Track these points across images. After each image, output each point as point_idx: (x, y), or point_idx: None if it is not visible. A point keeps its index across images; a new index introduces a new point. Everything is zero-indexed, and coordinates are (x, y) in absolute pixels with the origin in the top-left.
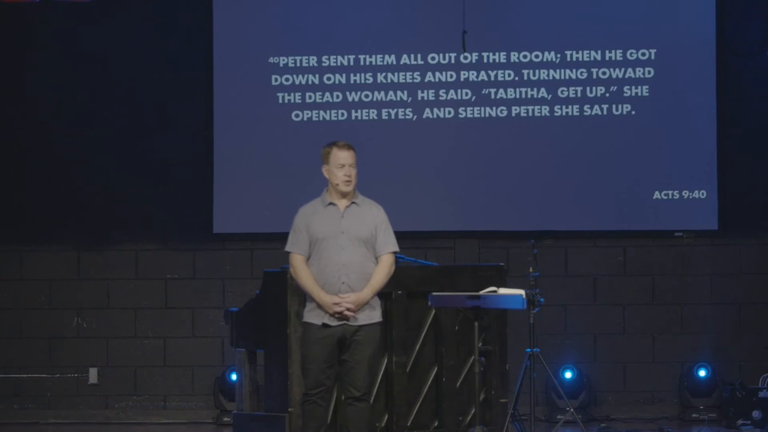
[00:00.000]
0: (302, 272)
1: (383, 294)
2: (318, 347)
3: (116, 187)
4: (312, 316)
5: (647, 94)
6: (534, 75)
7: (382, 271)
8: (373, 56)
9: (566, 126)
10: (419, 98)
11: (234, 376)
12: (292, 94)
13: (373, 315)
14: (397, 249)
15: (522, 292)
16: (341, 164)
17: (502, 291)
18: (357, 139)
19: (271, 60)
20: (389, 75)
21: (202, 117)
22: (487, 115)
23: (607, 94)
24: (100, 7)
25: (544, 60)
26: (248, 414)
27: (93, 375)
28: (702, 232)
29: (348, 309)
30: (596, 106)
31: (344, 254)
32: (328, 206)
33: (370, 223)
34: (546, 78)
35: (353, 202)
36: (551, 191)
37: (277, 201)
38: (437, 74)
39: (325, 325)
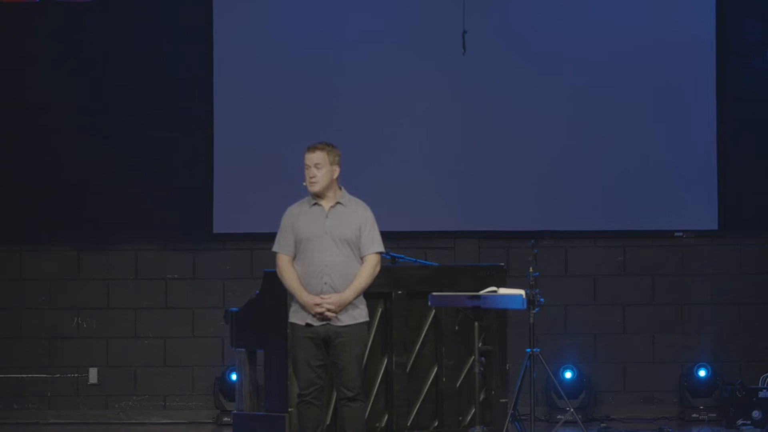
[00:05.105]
0: (287, 272)
1: (383, 294)
2: (304, 347)
3: (116, 187)
4: (296, 317)
5: (647, 94)
6: (534, 76)
7: (366, 272)
8: (374, 56)
9: (566, 126)
10: (420, 99)
11: (234, 376)
12: (292, 94)
13: (356, 315)
14: (381, 249)
15: (522, 292)
16: (306, 165)
17: (502, 291)
18: (357, 140)
19: (271, 60)
20: (390, 75)
21: (202, 117)
22: (487, 115)
23: (607, 94)
24: (100, 7)
25: (544, 60)
26: (248, 414)
27: (93, 375)
28: (702, 232)
29: (329, 310)
30: (596, 107)
31: (327, 255)
32: (313, 206)
33: (354, 223)
34: (546, 78)
35: (338, 203)
36: (551, 191)
37: (277, 201)
38: (437, 75)
39: (308, 325)
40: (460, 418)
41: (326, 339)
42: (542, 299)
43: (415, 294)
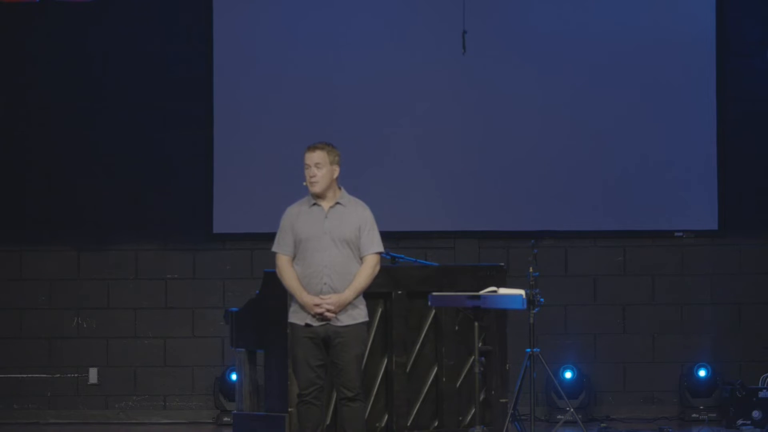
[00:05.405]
0: (286, 273)
1: (383, 294)
2: (303, 347)
3: (116, 187)
4: (296, 317)
5: (647, 94)
6: (534, 76)
7: (365, 272)
8: (374, 57)
9: (566, 126)
10: (420, 99)
11: (234, 376)
12: (292, 94)
13: (356, 315)
14: (381, 249)
15: (522, 292)
16: (306, 165)
17: (502, 291)
18: (357, 140)
19: (271, 60)
20: (389, 75)
21: (202, 117)
22: (487, 115)
23: (607, 94)
24: (100, 7)
25: (544, 60)
26: (248, 414)
27: (93, 375)
28: (702, 232)
29: (328, 310)
30: (596, 107)
31: (327, 255)
32: (312, 206)
33: (353, 223)
34: (546, 78)
35: (338, 203)
36: (551, 191)
37: (277, 201)
38: (437, 75)
39: (308, 325)
40: (460, 418)
41: (326, 339)
42: (542, 299)
43: (415, 294)
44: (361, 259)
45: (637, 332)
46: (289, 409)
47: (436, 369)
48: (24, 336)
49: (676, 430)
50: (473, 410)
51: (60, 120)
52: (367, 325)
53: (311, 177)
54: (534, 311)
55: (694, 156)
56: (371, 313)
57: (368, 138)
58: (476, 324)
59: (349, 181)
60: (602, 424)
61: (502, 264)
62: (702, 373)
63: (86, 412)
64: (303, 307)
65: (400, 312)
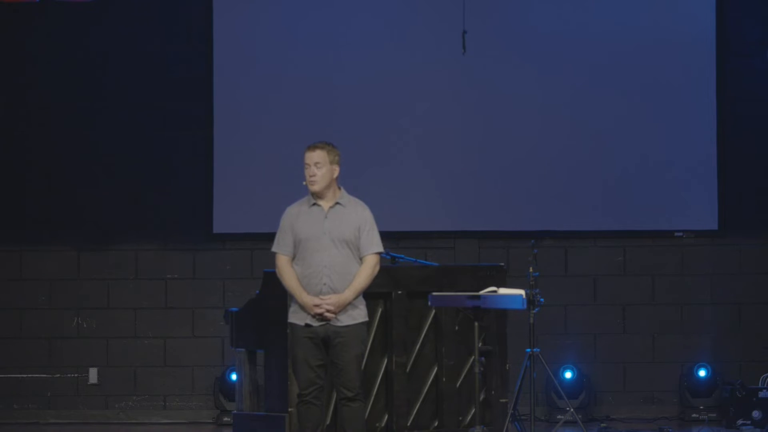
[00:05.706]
0: (286, 273)
1: (383, 294)
2: (303, 347)
3: (116, 187)
4: (296, 317)
5: (647, 94)
6: (534, 76)
7: (365, 272)
8: (374, 57)
9: (566, 126)
10: (420, 99)
11: (234, 376)
12: (292, 94)
13: (355, 315)
14: (381, 249)
15: (522, 292)
16: (306, 164)
17: (502, 291)
18: (357, 140)
19: (271, 60)
20: (390, 75)
21: (202, 117)
22: (487, 115)
23: (607, 94)
24: (100, 7)
25: (544, 60)
26: (248, 414)
27: (93, 375)
28: (702, 232)
29: (328, 311)
30: (596, 107)
31: (327, 255)
32: (312, 206)
33: (353, 223)
34: (546, 78)
35: (337, 203)
36: (551, 191)
37: (277, 201)
38: (437, 75)
39: (307, 326)
40: (460, 418)
41: (326, 339)
42: (542, 299)
43: (415, 294)
44: (361, 259)
45: (637, 332)
46: (289, 409)
47: (436, 369)
48: (24, 336)
49: (676, 430)
50: (473, 410)
51: (60, 120)
52: (367, 325)
53: (311, 176)
54: (534, 311)
55: (694, 156)
56: (371, 313)
57: (368, 138)
58: (476, 324)
59: (349, 181)
60: (602, 424)
61: (502, 264)
62: (702, 373)
63: (86, 412)
64: (303, 307)
65: (400, 312)
